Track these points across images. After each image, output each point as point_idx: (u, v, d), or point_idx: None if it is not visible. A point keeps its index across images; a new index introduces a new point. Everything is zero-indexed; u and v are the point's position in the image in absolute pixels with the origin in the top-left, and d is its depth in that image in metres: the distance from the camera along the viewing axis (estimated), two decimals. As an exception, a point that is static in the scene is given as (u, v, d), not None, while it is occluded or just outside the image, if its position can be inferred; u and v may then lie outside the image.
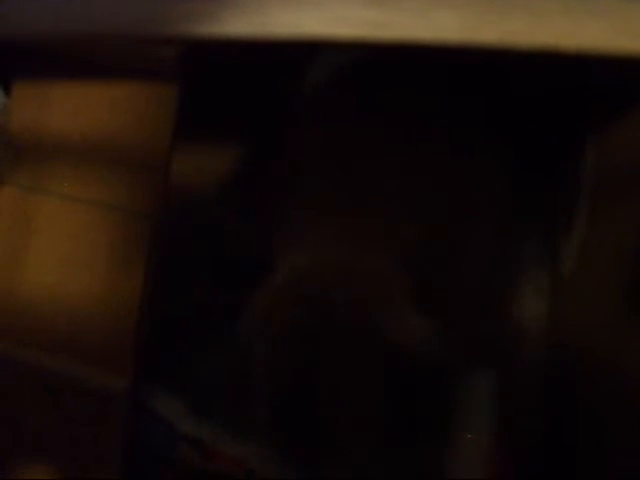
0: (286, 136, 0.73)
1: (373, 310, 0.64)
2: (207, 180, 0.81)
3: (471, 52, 0.57)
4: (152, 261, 0.67)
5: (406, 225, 0.68)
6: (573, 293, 0.72)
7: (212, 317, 0.75)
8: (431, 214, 0.68)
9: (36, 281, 0.66)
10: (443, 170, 0.69)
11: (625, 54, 0.57)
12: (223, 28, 0.55)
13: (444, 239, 0.68)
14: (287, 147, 0.73)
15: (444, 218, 0.69)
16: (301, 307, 0.64)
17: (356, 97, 0.71)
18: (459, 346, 0.68)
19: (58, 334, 0.66)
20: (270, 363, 0.65)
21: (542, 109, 0.74)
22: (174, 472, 0.73)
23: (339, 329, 0.63)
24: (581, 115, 0.73)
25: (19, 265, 0.67)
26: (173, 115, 0.68)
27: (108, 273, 0.66)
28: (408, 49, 0.57)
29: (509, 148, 0.73)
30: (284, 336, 0.64)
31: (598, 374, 0.66)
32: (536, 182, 0.75)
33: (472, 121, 0.72)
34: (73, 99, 0.68)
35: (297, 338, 0.64)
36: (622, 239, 0.66)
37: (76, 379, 0.65)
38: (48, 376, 0.65)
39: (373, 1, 0.56)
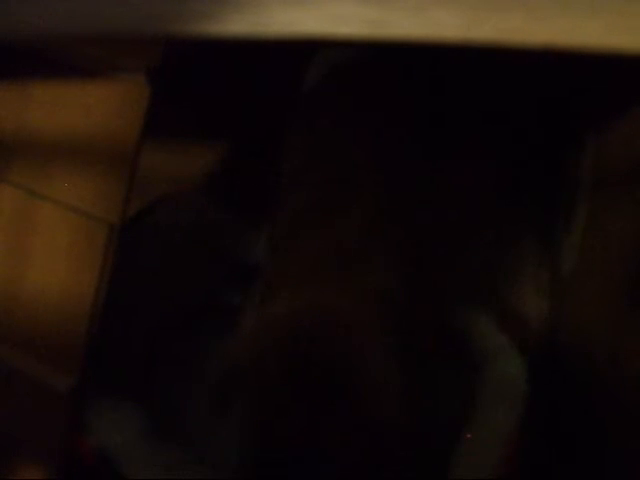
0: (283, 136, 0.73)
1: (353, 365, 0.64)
2: (200, 178, 0.80)
3: (470, 50, 0.57)
4: (108, 266, 0.68)
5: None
6: (573, 291, 0.72)
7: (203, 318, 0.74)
8: (429, 215, 0.69)
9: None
10: (442, 170, 0.69)
11: (624, 52, 0.57)
12: (222, 27, 0.54)
13: (442, 241, 0.68)
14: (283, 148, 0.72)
15: (442, 219, 0.69)
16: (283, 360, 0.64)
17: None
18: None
19: (16, 328, 0.67)
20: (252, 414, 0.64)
21: (542, 107, 0.74)
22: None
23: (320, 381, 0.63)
24: (581, 113, 0.74)
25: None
26: (141, 118, 0.69)
27: (65, 274, 0.67)
28: (407, 47, 0.57)
29: (508, 147, 0.73)
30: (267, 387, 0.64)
31: (598, 372, 0.67)
32: (536, 180, 0.75)
33: (471, 119, 0.72)
34: (51, 100, 0.69)
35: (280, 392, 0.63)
36: (621, 237, 0.66)
37: (27, 373, 0.67)
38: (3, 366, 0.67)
39: (371, -1, 0.56)
